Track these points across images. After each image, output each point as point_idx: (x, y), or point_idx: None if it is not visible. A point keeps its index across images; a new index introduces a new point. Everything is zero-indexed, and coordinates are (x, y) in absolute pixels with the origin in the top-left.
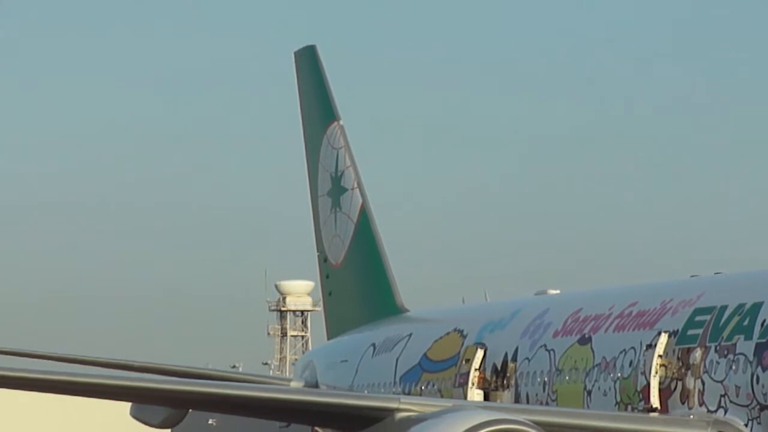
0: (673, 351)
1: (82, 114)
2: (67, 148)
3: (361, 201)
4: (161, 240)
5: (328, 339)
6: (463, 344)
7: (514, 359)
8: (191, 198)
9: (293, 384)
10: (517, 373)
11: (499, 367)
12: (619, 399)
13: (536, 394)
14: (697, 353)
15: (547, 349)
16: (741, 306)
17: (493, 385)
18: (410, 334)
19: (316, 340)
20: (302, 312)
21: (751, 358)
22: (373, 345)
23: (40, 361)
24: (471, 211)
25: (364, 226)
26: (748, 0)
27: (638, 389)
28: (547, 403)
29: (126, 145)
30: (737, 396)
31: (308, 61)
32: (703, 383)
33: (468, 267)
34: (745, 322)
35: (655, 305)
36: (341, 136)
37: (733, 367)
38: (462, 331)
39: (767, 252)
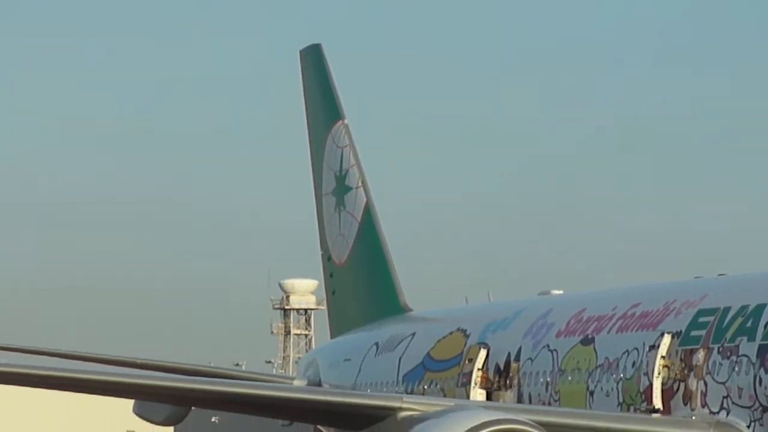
0: (676, 352)
1: (88, 111)
2: (67, 146)
3: (365, 200)
4: (166, 238)
5: (332, 337)
6: (466, 344)
7: (517, 359)
8: (196, 196)
9: (296, 382)
10: (520, 373)
11: (501, 367)
12: (621, 400)
13: (539, 394)
14: (700, 354)
15: (549, 350)
16: (744, 308)
17: (495, 385)
18: (413, 334)
19: (319, 338)
20: (306, 310)
21: (753, 360)
22: (377, 344)
23: (43, 357)
24: (475, 210)
25: (368, 225)
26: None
27: (641, 390)
28: (549, 404)
29: (132, 144)
30: (740, 397)
31: (313, 60)
32: (705, 384)
33: (471, 267)
34: (748, 324)
35: (659, 306)
36: (346, 135)
37: (736, 369)
38: (465, 331)
39: None
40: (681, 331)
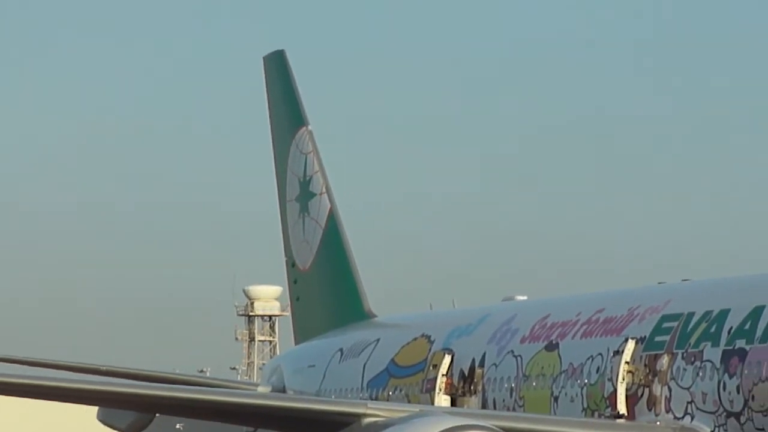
0: (640, 357)
1: (48, 113)
2: (30, 146)
3: (329, 206)
4: (128, 244)
5: (296, 344)
6: (430, 350)
7: (482, 365)
8: (159, 201)
9: (260, 389)
10: (485, 379)
11: (466, 373)
12: (586, 405)
13: (503, 400)
14: (664, 360)
15: (514, 355)
16: (708, 313)
17: (460, 391)
18: (378, 340)
19: (284, 345)
20: (270, 317)
21: (717, 365)
22: (341, 350)
23: (3, 364)
24: (439, 217)
25: (333, 232)
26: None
27: (605, 395)
28: (514, 409)
29: (92, 146)
30: (704, 403)
31: (277, 66)
32: (669, 390)
33: (436, 273)
34: (712, 329)
35: (623, 312)
36: (310, 141)
37: (700, 374)
38: (429, 337)
39: (734, 259)
40: (645, 337)
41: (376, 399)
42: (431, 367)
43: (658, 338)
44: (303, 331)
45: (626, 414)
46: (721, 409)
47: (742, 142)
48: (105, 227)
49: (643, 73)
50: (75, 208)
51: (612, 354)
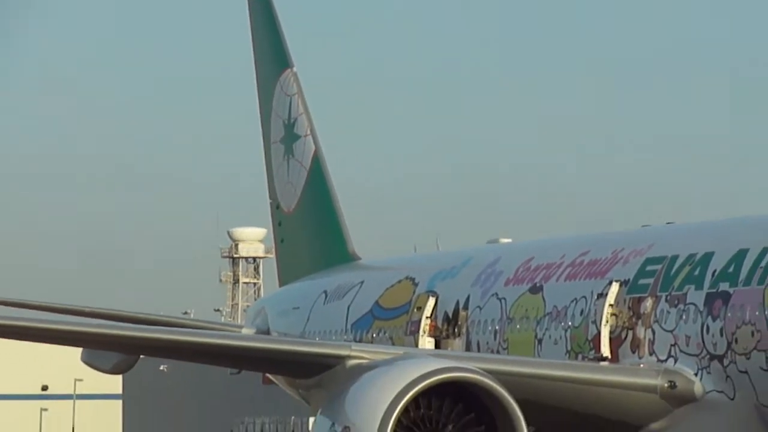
0: (624, 300)
1: (27, 62)
2: (13, 103)
3: (314, 148)
4: (115, 188)
5: (280, 286)
6: (414, 292)
7: (466, 307)
8: (145, 145)
9: (244, 331)
10: (469, 322)
11: (450, 316)
12: (569, 348)
13: (487, 343)
14: (648, 303)
15: (498, 298)
16: (692, 256)
17: (444, 334)
18: (362, 282)
19: (268, 287)
20: (254, 259)
21: (701, 308)
22: (325, 292)
23: None
24: (424, 159)
25: (317, 174)
26: None
27: (589, 338)
28: (498, 352)
29: (79, 94)
30: (687, 345)
31: (261, 7)
32: (653, 333)
33: (420, 216)
34: (696, 272)
35: (607, 254)
36: (294, 83)
37: (684, 317)
38: (414, 279)
39: (719, 202)
40: (629, 280)
41: (360, 341)
42: (415, 310)
43: (642, 281)
44: (287, 273)
45: (610, 356)
46: (705, 352)
47: (728, 89)
48: (93, 172)
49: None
50: (57, 150)
51: (596, 296)
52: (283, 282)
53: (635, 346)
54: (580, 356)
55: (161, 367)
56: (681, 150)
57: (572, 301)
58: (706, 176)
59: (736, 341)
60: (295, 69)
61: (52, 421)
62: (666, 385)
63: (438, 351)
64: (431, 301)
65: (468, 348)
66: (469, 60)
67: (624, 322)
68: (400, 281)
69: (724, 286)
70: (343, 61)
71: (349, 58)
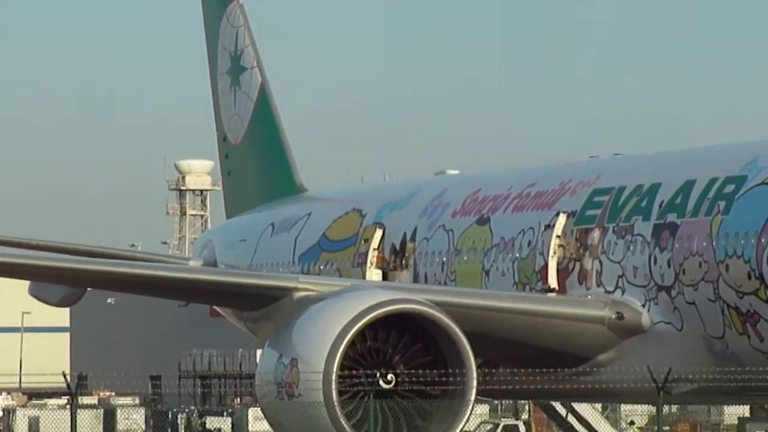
0: (572, 231)
1: None
2: None
3: (260, 80)
4: (61, 121)
5: (228, 218)
6: (362, 224)
7: (413, 239)
8: (90, 78)
9: (192, 263)
10: (416, 253)
11: (397, 247)
12: (517, 279)
13: (435, 274)
14: (595, 234)
15: (445, 230)
16: (639, 187)
17: (391, 265)
18: (309, 214)
19: (215, 219)
20: (201, 191)
21: (648, 239)
22: (272, 224)
23: None
24: (371, 91)
25: (264, 106)
26: None
27: (536, 269)
28: (445, 283)
29: (24, 21)
30: (635, 277)
31: None
32: (600, 264)
33: (367, 147)
34: (643, 203)
35: (554, 186)
36: (241, 15)
37: (631, 248)
38: (361, 211)
39: (666, 134)
40: (576, 211)
41: (308, 273)
42: (363, 242)
43: (589, 212)
44: (234, 206)
45: (557, 288)
46: (652, 283)
47: (674, 23)
48: (37, 101)
49: None
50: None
51: (543, 228)
52: (230, 214)
53: (583, 277)
54: (527, 288)
55: (109, 300)
56: (630, 81)
57: (520, 233)
58: (653, 107)
59: (684, 272)
60: (241, 1)
61: (0, 354)
62: (613, 316)
63: (385, 283)
64: (378, 233)
65: (415, 280)
66: None
67: (571, 254)
68: (347, 213)
69: (671, 218)
70: None
71: None
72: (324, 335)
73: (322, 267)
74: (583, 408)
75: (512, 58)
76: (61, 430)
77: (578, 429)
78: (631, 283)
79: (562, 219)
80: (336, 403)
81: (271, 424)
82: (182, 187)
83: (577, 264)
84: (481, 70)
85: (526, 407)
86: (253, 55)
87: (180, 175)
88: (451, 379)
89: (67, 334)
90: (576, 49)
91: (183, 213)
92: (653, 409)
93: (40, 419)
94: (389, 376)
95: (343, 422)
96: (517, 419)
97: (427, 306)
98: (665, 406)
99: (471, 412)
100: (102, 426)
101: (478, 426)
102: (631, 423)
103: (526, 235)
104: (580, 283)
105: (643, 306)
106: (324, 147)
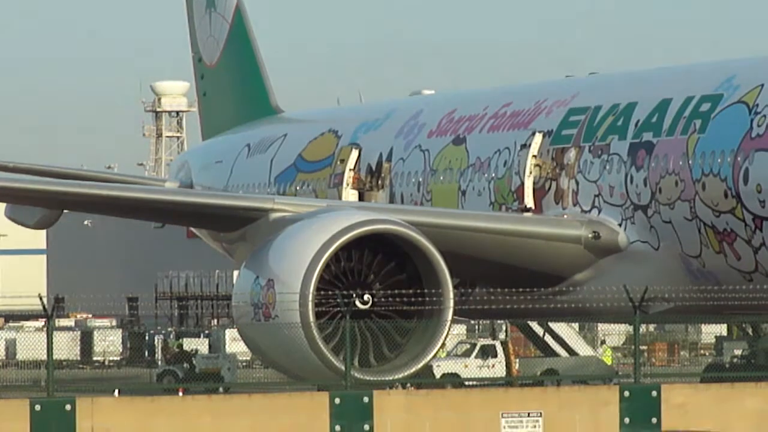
0: (548, 151)
1: None
2: None
3: (235, 1)
4: (36, 42)
5: (204, 140)
6: (337, 145)
7: (389, 159)
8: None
9: (168, 185)
10: (392, 174)
11: (373, 168)
12: (493, 199)
13: (411, 195)
14: (572, 153)
15: (421, 150)
16: (615, 106)
17: (367, 186)
18: (285, 135)
19: (191, 141)
20: (177, 113)
21: (625, 158)
22: (248, 146)
23: None
24: (345, 10)
25: (239, 27)
26: None
27: (512, 189)
28: (421, 204)
29: None
30: (611, 196)
31: None
32: (577, 183)
33: (343, 67)
34: (619, 122)
35: (530, 105)
36: None
37: (607, 167)
38: (337, 132)
39: (641, 53)
40: (552, 131)
41: (284, 194)
42: (339, 162)
43: (565, 132)
44: (210, 127)
45: (533, 207)
46: (629, 202)
47: None
48: (7, 29)
49: None
50: None
51: (519, 148)
52: (206, 136)
53: (559, 196)
54: (503, 208)
55: (85, 222)
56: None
57: (495, 153)
58: (629, 26)
59: (660, 191)
60: None
61: None
62: (590, 235)
63: (361, 203)
64: (354, 154)
65: (391, 200)
66: None
67: (547, 173)
68: (323, 134)
69: (647, 136)
70: None
71: None
72: (300, 256)
73: (298, 188)
74: (560, 327)
75: None
76: (38, 352)
77: (555, 348)
78: (607, 202)
79: (538, 138)
80: (313, 324)
81: (248, 346)
82: (158, 109)
83: (554, 184)
84: None
85: (504, 327)
86: None
87: (156, 97)
88: (428, 299)
89: (44, 257)
90: None
91: (159, 135)
92: (630, 328)
93: (17, 341)
94: (366, 297)
95: (320, 343)
96: (494, 339)
97: (403, 226)
98: (642, 325)
99: (448, 332)
100: (79, 348)
101: (455, 346)
102: (602, 343)
103: (502, 154)
104: (557, 203)
105: (620, 225)
106: (299, 67)
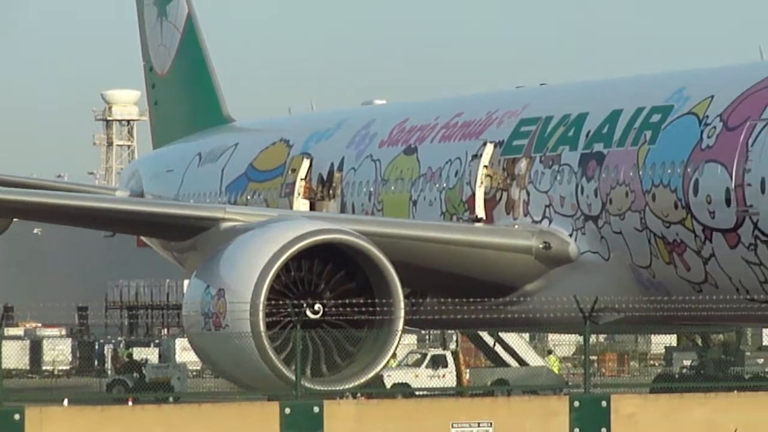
0: (499, 161)
1: None
2: None
3: (187, 10)
4: None
5: (154, 149)
6: (289, 154)
7: (340, 169)
8: (15, 2)
9: (119, 194)
10: (343, 183)
11: (325, 177)
12: (444, 209)
13: (362, 204)
14: (522, 164)
15: (373, 160)
16: (566, 117)
17: (319, 195)
18: (236, 144)
19: (142, 149)
20: (128, 121)
21: (576, 169)
22: (199, 155)
23: None
24: (298, 19)
25: (190, 36)
26: None
27: (463, 199)
28: (373, 213)
29: None
30: (562, 206)
31: None
32: (528, 194)
33: (294, 76)
34: (570, 133)
35: (481, 116)
36: None
37: (558, 178)
38: (288, 141)
39: (592, 63)
40: (503, 141)
41: (235, 203)
42: (290, 172)
43: (516, 142)
44: (161, 136)
45: (484, 218)
46: (579, 213)
47: None
48: None
49: None
50: None
51: (470, 158)
52: (157, 145)
53: (510, 207)
54: (454, 218)
55: (35, 230)
56: (557, 9)
57: (447, 163)
58: (581, 36)
59: (611, 202)
60: None
61: None
62: (541, 246)
63: (312, 213)
64: (306, 163)
65: (343, 210)
66: None
67: (499, 183)
68: (274, 143)
69: (598, 147)
70: None
71: None
72: (251, 265)
73: (249, 197)
74: (511, 338)
75: None
76: None
77: (505, 358)
78: (558, 212)
79: (489, 149)
80: (263, 334)
81: (198, 355)
82: (109, 118)
83: (505, 194)
84: (406, 3)
85: (454, 337)
86: None
87: (107, 105)
88: (378, 309)
89: None
90: None
91: (110, 143)
92: (581, 338)
93: None
94: (316, 306)
95: (270, 353)
96: (444, 349)
97: (354, 236)
98: (592, 335)
99: (399, 342)
100: (29, 357)
101: (406, 356)
102: (549, 353)
103: (454, 164)
104: (508, 213)
105: (570, 236)
106: (251, 76)
